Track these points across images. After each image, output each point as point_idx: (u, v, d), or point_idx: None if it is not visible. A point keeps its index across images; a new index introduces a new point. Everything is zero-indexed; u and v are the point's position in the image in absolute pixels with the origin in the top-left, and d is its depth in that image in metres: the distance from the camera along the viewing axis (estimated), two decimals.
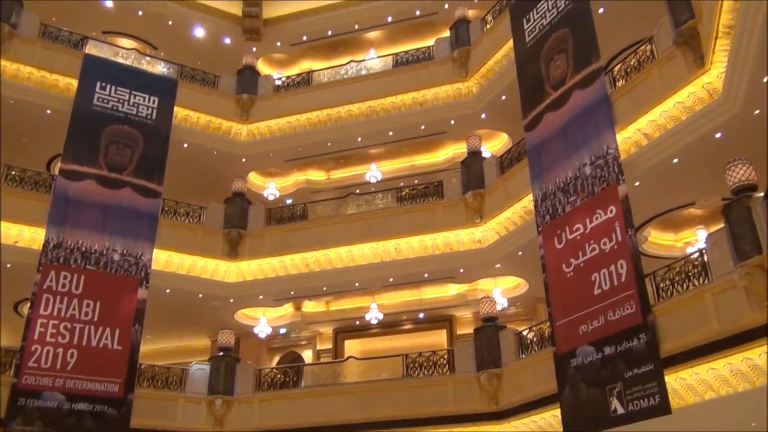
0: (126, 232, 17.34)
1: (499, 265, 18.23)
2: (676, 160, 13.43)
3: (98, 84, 18.78)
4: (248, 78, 22.11)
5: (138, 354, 16.38)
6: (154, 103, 19.34)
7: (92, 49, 20.43)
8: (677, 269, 12.11)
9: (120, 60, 20.70)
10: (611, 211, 13.07)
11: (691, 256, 12.25)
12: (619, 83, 14.61)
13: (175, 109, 19.83)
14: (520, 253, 17.21)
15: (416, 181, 20.89)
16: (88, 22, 21.86)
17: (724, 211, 11.00)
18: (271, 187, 23.07)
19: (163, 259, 18.54)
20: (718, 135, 12.48)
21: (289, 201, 22.92)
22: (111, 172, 17.88)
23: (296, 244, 19.56)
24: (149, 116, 19.09)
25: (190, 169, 20.96)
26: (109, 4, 21.94)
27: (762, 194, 10.39)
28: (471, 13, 21.02)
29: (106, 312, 16.25)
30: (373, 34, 24.01)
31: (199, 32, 23.17)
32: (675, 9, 12.81)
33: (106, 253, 16.89)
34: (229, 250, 19.60)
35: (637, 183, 13.86)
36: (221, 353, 17.57)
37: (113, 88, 18.91)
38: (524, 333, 15.76)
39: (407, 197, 19.75)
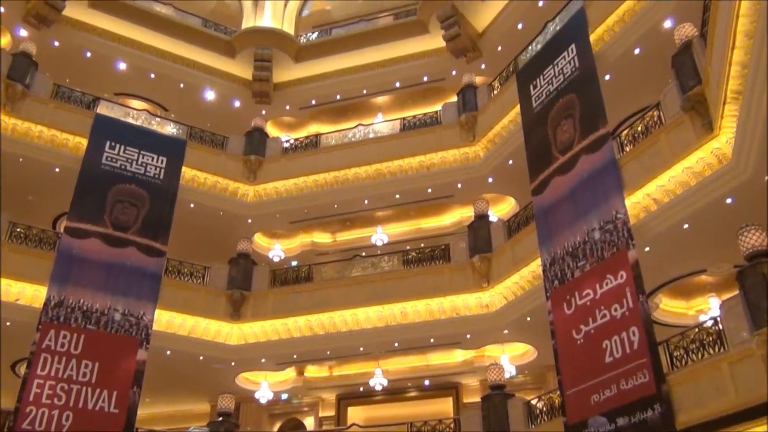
0: (128, 292, 17.12)
1: (506, 331, 17.85)
2: (686, 226, 13.27)
3: (108, 143, 18.93)
4: (256, 140, 22.30)
5: (135, 417, 15.89)
6: (162, 163, 19.43)
7: (103, 109, 20.71)
8: (691, 337, 11.76)
9: (130, 120, 20.94)
10: (622, 277, 12.83)
11: (706, 324, 11.92)
12: (627, 148, 14.61)
13: (183, 169, 19.91)
14: (528, 318, 16.86)
15: (423, 245, 20.70)
16: (101, 83, 22.25)
17: (738, 277, 10.75)
18: (276, 249, 22.94)
19: (164, 320, 18.24)
20: (728, 200, 12.36)
21: (294, 263, 22.72)
22: (116, 231, 17.80)
23: (300, 306, 19.26)
24: (157, 176, 19.15)
25: (196, 229, 20.89)
26: (123, 66, 22.37)
27: None
28: (478, 79, 21.31)
29: (105, 373, 15.86)
30: (381, 99, 24.35)
31: (210, 95, 23.53)
32: (682, 75, 12.92)
33: (108, 313, 16.62)
34: (231, 312, 19.29)
35: (647, 248, 13.66)
36: (220, 419, 17.04)
37: (122, 147, 19.05)
38: (533, 402, 15.25)
39: (414, 260, 19.55)
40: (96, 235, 17.48)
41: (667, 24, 14.77)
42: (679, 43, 13.25)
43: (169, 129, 21.90)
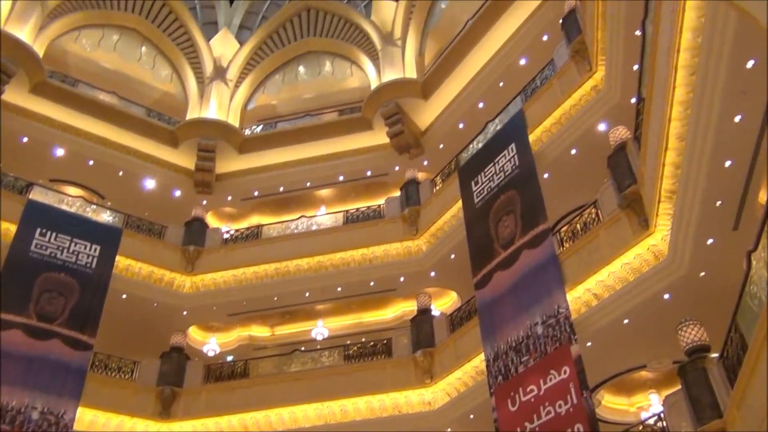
0: (49, 388, 15.99)
1: (449, 430, 17.32)
2: (626, 321, 13.43)
3: (38, 230, 18.22)
4: (196, 230, 21.86)
5: None
6: (95, 251, 18.75)
7: (37, 195, 20.01)
8: None
9: (64, 207, 20.27)
10: (565, 372, 12.76)
11: (649, 421, 11.87)
12: (567, 244, 14.91)
13: (117, 258, 19.23)
14: (471, 416, 16.44)
15: (364, 339, 20.29)
16: (37, 169, 21.57)
17: (679, 372, 10.82)
18: (211, 343, 22.05)
19: (87, 419, 17.00)
20: (666, 296, 12.63)
21: (229, 358, 21.84)
22: (41, 322, 16.82)
23: (235, 403, 18.32)
24: (89, 265, 18.40)
25: (127, 321, 19.91)
26: (60, 152, 21.85)
27: (716, 355, 10.30)
28: (421, 175, 21.71)
29: None
30: (324, 192, 24.43)
31: (150, 183, 23.13)
32: (617, 174, 13.44)
33: (24, 411, 15.42)
34: (161, 410, 18.15)
35: (589, 343, 13.69)
36: None
37: (54, 234, 18.35)
38: None
39: (355, 355, 19.04)
40: (18, 327, 16.47)
41: (602, 127, 15.51)
42: (614, 144, 13.88)
43: (105, 217, 21.28)
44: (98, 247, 18.82)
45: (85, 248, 18.65)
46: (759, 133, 9.19)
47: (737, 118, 9.15)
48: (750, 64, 8.35)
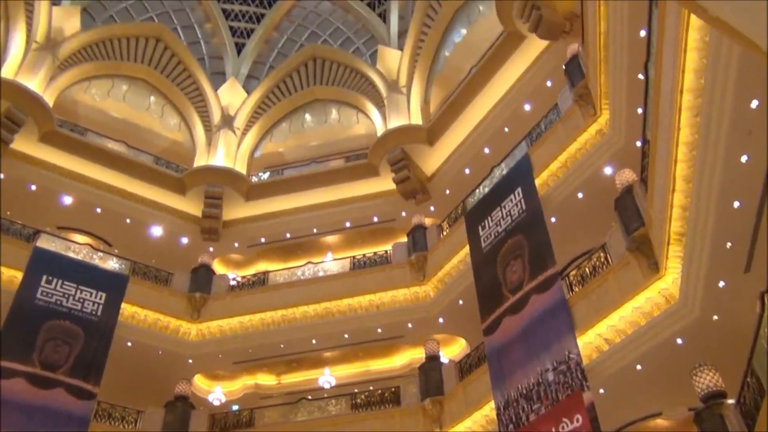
0: None
1: None
2: (639, 367, 13.13)
3: (44, 278, 18.20)
4: (203, 277, 21.78)
5: None
6: (101, 299, 18.68)
7: (44, 242, 20.06)
8: None
9: (71, 254, 20.27)
10: (578, 420, 12.44)
11: None
12: (576, 288, 14.72)
13: (123, 305, 19.14)
14: None
15: (372, 388, 19.94)
16: (45, 216, 21.68)
17: (696, 420, 10.55)
18: (217, 392, 21.74)
19: None
20: (679, 341, 12.37)
21: (235, 407, 21.46)
22: (44, 370, 16.64)
23: None
24: (94, 312, 18.31)
25: (131, 369, 19.68)
26: (68, 200, 21.98)
27: (733, 401, 10.03)
28: (428, 220, 21.68)
29: None
30: (331, 238, 24.38)
31: (157, 231, 23.16)
32: (625, 217, 13.34)
33: None
34: None
35: (602, 390, 13.40)
36: None
37: (60, 282, 18.32)
38: None
39: (362, 404, 18.71)
40: (21, 375, 16.29)
41: (608, 170, 15.48)
42: (621, 187, 13.81)
43: (112, 264, 21.25)
44: (104, 295, 18.75)
45: (91, 295, 18.58)
46: (766, 172, 9.10)
47: (743, 158, 9.09)
48: (754, 104, 8.33)
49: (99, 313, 18.39)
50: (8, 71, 21.00)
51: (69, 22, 23.67)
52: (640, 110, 13.30)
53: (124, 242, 22.91)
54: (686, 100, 9.47)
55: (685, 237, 11.08)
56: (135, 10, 26.56)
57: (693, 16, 8.41)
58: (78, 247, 21.02)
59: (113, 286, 19.23)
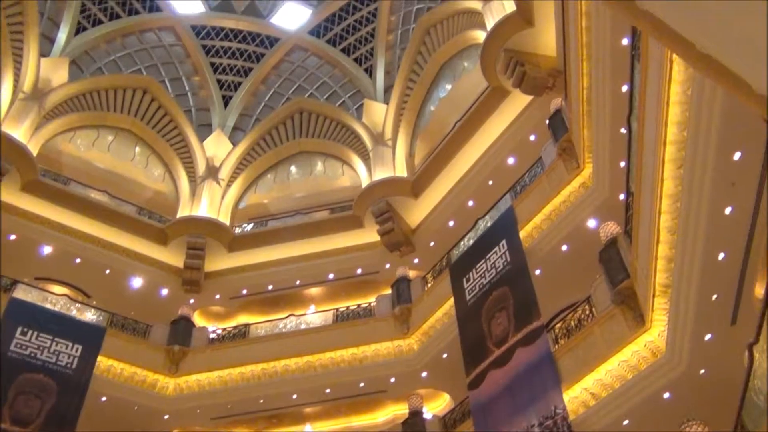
0: None
1: None
2: (626, 422, 12.88)
3: (20, 329, 17.76)
4: (182, 329, 21.35)
5: None
6: (76, 351, 18.21)
7: (21, 293, 19.62)
8: None
9: (48, 306, 19.82)
10: None
11: None
12: (561, 341, 14.56)
13: (99, 358, 18.63)
14: None
15: None
16: (23, 266, 21.27)
17: None
18: None
19: None
20: (666, 395, 12.19)
21: None
22: (14, 426, 16.04)
23: None
24: (69, 365, 17.80)
25: (105, 425, 19.03)
26: (48, 250, 21.63)
27: None
28: (412, 273, 21.54)
29: None
30: (314, 290, 24.13)
31: (137, 282, 22.79)
32: (610, 270, 13.31)
33: None
34: None
35: None
36: None
37: (35, 334, 17.86)
38: None
39: None
40: None
41: (592, 223, 15.55)
42: (605, 239, 13.84)
43: (89, 316, 20.80)
44: (80, 347, 18.29)
45: (67, 348, 18.12)
46: (751, 224, 9.15)
47: (728, 210, 9.15)
48: (737, 155, 8.43)
49: (74, 366, 17.89)
50: None
51: (57, 73, 23.80)
52: (623, 164, 13.46)
53: (102, 293, 22.48)
54: (669, 153, 9.58)
55: (671, 289, 11.04)
56: (123, 62, 26.78)
57: (675, 70, 8.58)
58: (55, 298, 20.58)
59: (90, 338, 18.77)
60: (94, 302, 22.17)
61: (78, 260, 22.01)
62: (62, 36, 25.09)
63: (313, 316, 22.39)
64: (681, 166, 9.49)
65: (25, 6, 22.10)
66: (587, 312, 14.25)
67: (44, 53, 23.98)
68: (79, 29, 25.72)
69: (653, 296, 11.69)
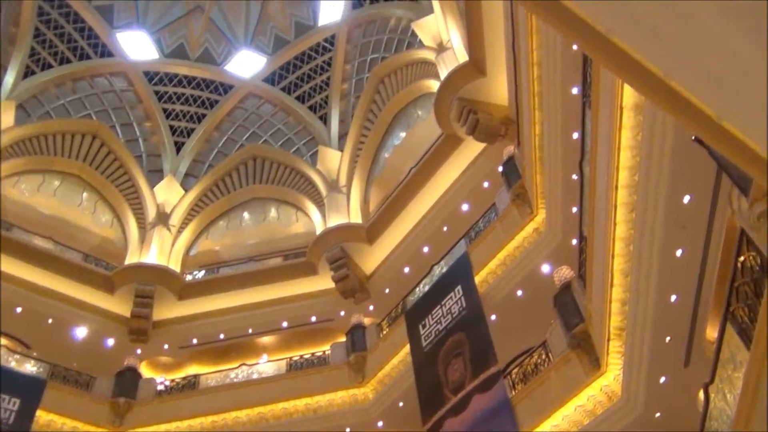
0: None
1: None
2: None
3: None
4: (128, 381, 20.51)
5: None
6: (14, 405, 17.26)
7: None
8: None
9: None
10: None
11: None
12: (518, 387, 14.50)
13: (38, 413, 17.69)
14: None
15: None
16: None
17: None
18: None
19: None
20: None
21: None
22: None
23: None
24: (6, 420, 16.84)
25: None
26: None
27: None
28: (367, 320, 21.31)
29: None
30: (267, 339, 23.62)
31: (81, 332, 21.92)
32: (565, 314, 13.41)
33: None
34: None
35: None
36: None
37: None
38: None
39: None
40: None
41: (546, 268, 15.71)
42: (559, 284, 13.97)
43: (29, 367, 19.83)
44: (18, 401, 17.35)
45: (5, 402, 17.17)
46: (701, 267, 9.37)
47: (678, 253, 9.36)
48: (686, 199, 8.68)
49: (11, 421, 16.92)
50: None
51: (3, 116, 23.18)
52: (575, 209, 13.72)
53: (44, 344, 21.48)
54: (621, 197, 9.80)
55: (625, 332, 11.17)
56: (73, 107, 26.28)
57: (626, 116, 8.84)
58: None
59: (29, 391, 17.84)
60: (35, 353, 21.17)
61: (18, 309, 21.07)
62: (9, 79, 24.56)
63: (266, 365, 21.83)
64: (633, 210, 9.71)
65: None
66: (543, 356, 14.27)
67: None
68: (27, 73, 25.24)
69: (608, 339, 11.80)
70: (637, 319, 10.56)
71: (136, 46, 27.40)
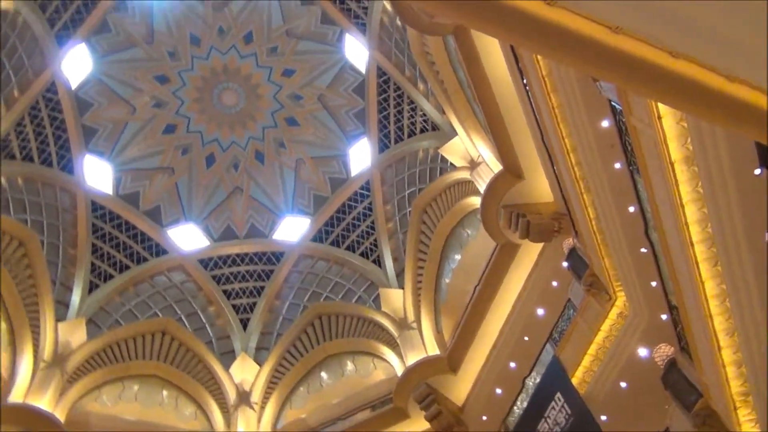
0: None
1: None
2: None
3: None
4: None
5: None
6: None
7: None
8: None
9: None
10: None
11: None
12: None
13: None
14: None
15: None
16: None
17: None
18: None
19: None
20: None
21: None
22: None
23: None
24: None
25: None
26: None
27: None
28: None
29: None
30: None
31: None
32: (679, 393, 12.43)
33: None
34: None
35: None
36: None
37: None
38: None
39: None
40: None
41: (643, 352, 14.82)
42: (662, 363, 13.09)
43: None
44: None
45: None
46: None
47: None
48: None
49: None
50: (17, 394, 20.66)
51: (75, 335, 23.93)
52: (654, 283, 13.14)
53: None
54: (699, 252, 9.38)
55: (751, 396, 10.24)
56: (138, 309, 27.03)
57: (678, 170, 8.64)
58: None
59: None
60: None
61: None
62: (75, 298, 25.54)
63: None
64: (717, 263, 9.23)
65: (38, 278, 22.78)
66: None
67: (60, 318, 24.26)
68: (91, 288, 26.31)
69: (735, 409, 10.81)
70: (758, 379, 9.71)
71: (187, 237, 28.62)
